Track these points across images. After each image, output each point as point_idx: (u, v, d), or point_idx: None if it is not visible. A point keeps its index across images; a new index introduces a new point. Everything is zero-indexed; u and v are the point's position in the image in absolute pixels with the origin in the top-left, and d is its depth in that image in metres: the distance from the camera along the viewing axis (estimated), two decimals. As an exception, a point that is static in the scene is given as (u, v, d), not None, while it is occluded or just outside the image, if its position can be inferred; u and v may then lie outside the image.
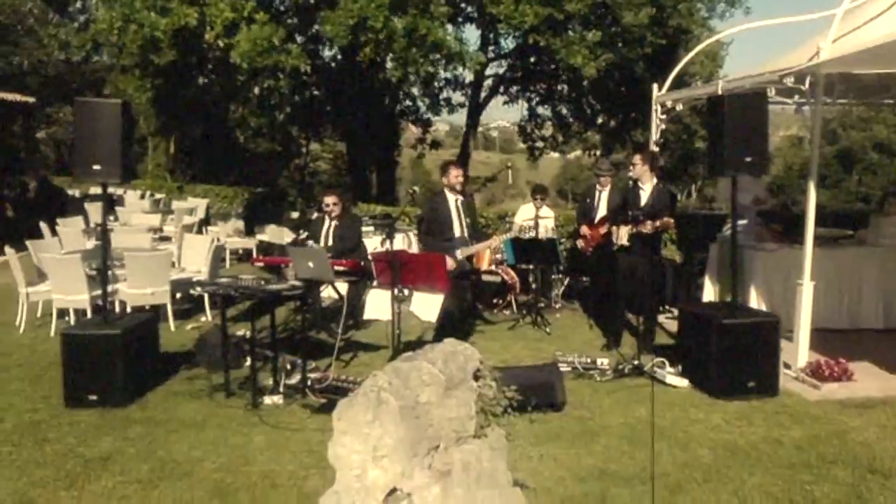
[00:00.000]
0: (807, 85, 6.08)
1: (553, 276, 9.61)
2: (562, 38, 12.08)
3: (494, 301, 9.28)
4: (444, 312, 6.39)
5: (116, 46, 12.50)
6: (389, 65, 12.18)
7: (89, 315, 7.73)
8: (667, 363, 6.43)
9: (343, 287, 7.00)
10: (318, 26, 12.60)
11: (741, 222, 7.59)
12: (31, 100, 18.28)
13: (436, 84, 15.63)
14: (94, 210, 14.47)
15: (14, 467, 4.65)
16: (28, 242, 8.90)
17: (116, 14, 11.78)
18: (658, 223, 6.72)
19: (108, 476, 4.52)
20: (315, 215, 8.45)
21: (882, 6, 6.46)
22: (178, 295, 8.69)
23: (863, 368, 6.25)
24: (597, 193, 8.29)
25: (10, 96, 17.19)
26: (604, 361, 6.61)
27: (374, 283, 6.52)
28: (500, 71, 18.44)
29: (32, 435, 5.17)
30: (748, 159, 5.89)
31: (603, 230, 7.81)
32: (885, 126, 33.98)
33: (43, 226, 11.40)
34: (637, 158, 7.23)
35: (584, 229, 8.24)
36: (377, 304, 6.49)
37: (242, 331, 7.00)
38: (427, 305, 6.40)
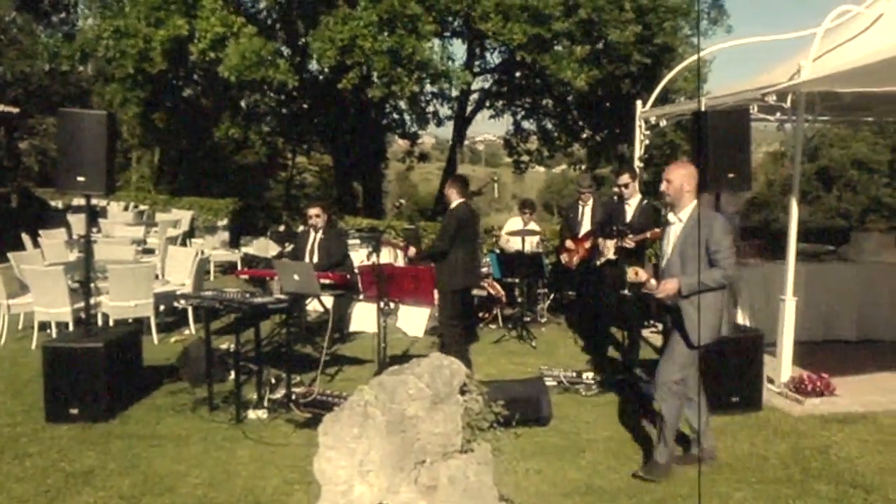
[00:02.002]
0: (788, 103, 6.17)
1: (539, 291, 9.64)
2: (550, 54, 12.19)
3: (480, 315, 9.28)
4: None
5: (105, 58, 12.46)
6: (376, 81, 12.21)
7: (71, 328, 7.65)
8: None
9: (329, 300, 6.98)
10: (306, 39, 12.64)
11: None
12: (15, 110, 18.15)
13: (422, 98, 15.70)
14: (77, 222, 14.35)
15: (-7, 483, 4.59)
16: (10, 254, 8.79)
17: (106, 24, 11.76)
18: (649, 234, 6.82)
19: (90, 491, 4.46)
20: (301, 228, 8.44)
21: (862, 25, 6.58)
22: (162, 308, 8.62)
23: (844, 383, 6.31)
24: (580, 208, 8.35)
25: (-8, 107, 17.07)
26: (589, 376, 6.63)
27: (361, 296, 6.51)
28: (487, 85, 18.55)
29: (13, 449, 5.10)
30: (730, 175, 5.95)
31: (587, 244, 7.86)
32: (864, 144, 34.47)
33: (25, 237, 11.28)
34: (626, 178, 7.24)
35: (569, 243, 8.29)
36: (363, 316, 6.48)
37: (227, 344, 6.96)
38: (413, 320, 6.39)
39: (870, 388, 6.43)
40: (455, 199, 6.95)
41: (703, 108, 6.98)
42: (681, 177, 4.65)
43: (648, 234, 6.84)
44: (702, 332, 4.47)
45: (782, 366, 6.37)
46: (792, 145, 6.77)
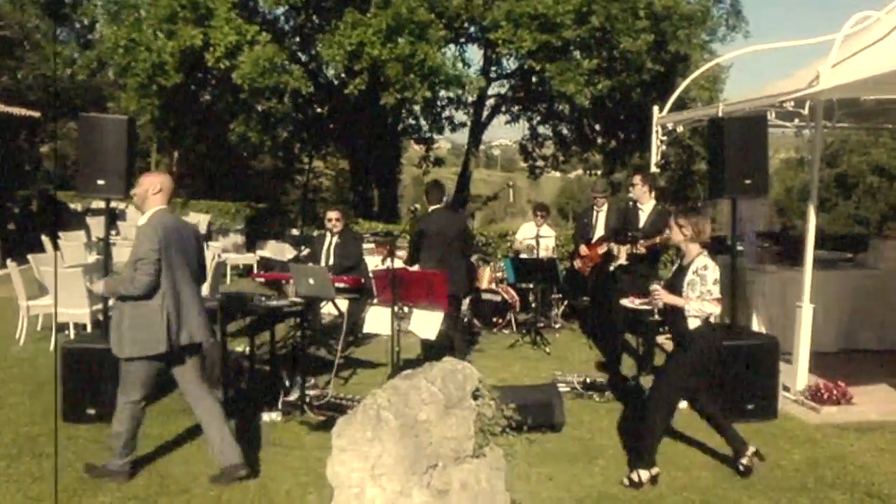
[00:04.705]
0: (806, 110, 6.13)
1: (553, 296, 9.62)
2: (557, 66, 12.09)
3: (494, 320, 9.28)
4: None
5: (121, 66, 12.56)
6: (389, 88, 12.23)
7: (89, 329, 7.73)
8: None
9: (343, 304, 7.01)
10: (319, 45, 12.69)
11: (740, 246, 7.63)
12: (36, 114, 18.36)
13: (438, 103, 15.70)
14: (96, 224, 14.51)
15: (11, 482, 4.64)
16: (29, 256, 8.91)
17: (122, 34, 11.88)
18: (658, 239, 6.80)
19: (106, 491, 4.50)
20: (316, 232, 8.49)
21: (881, 31, 6.52)
22: (179, 310, 8.68)
23: (861, 391, 6.24)
24: (594, 213, 8.35)
25: (14, 110, 17.24)
26: (603, 382, 6.60)
27: (375, 300, 6.53)
28: (503, 91, 18.53)
29: (30, 449, 5.16)
30: (748, 181, 5.93)
31: (601, 250, 7.85)
32: (884, 150, 34.08)
33: (45, 239, 11.42)
34: (637, 179, 7.31)
35: (583, 249, 8.28)
36: (377, 319, 6.49)
37: (242, 347, 7.00)
38: (426, 323, 6.38)
39: (887, 397, 6.37)
40: (430, 207, 7.14)
41: (720, 114, 6.95)
42: (148, 182, 4.61)
43: (657, 240, 6.82)
44: (125, 344, 4.46)
45: (798, 373, 6.31)
46: (809, 151, 6.72)
